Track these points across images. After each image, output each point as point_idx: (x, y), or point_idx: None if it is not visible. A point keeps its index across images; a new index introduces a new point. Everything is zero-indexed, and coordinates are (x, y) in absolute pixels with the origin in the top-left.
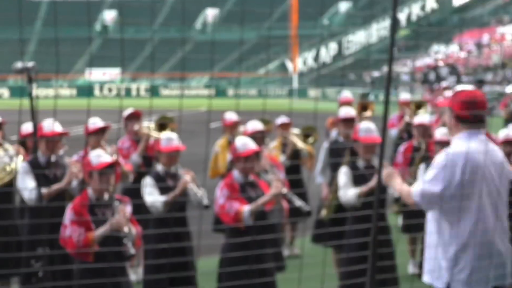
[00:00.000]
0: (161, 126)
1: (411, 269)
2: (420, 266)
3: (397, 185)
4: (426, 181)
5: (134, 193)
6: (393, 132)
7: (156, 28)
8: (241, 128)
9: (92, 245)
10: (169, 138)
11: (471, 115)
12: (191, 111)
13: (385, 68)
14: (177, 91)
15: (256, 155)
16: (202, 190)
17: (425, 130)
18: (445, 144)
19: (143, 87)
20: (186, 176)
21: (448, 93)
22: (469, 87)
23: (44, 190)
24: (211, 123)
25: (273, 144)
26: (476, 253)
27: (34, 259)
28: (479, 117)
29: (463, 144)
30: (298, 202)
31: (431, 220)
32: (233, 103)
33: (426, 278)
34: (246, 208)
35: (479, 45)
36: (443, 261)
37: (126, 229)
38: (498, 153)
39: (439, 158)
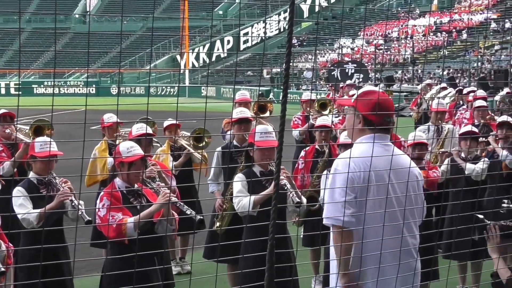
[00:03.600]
0: (37, 131)
1: (314, 285)
2: (325, 282)
3: None
4: (327, 192)
5: (2, 205)
6: (295, 133)
7: (28, 17)
8: (122, 131)
9: None
10: (44, 142)
11: (377, 118)
12: (68, 111)
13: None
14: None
15: (142, 160)
16: (81, 202)
17: (328, 132)
18: (349, 147)
19: (13, 85)
20: (64, 186)
21: (353, 92)
22: (376, 88)
23: None
24: (92, 126)
25: (161, 149)
26: (375, 267)
27: None
28: (385, 121)
29: (365, 148)
30: (189, 211)
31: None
32: (117, 102)
33: None
34: (130, 220)
35: (387, 39)
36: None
37: None
38: (404, 160)
39: (339, 165)
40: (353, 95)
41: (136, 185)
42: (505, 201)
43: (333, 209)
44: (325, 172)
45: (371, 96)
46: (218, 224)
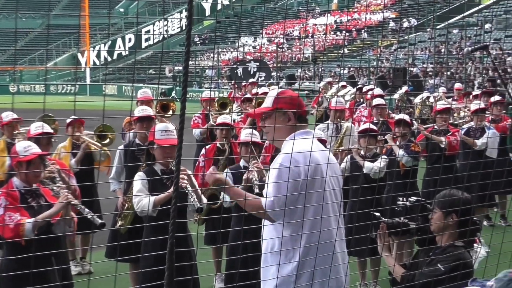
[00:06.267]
0: None
1: (215, 283)
2: (227, 280)
3: (235, 194)
4: (272, 186)
5: None
6: (196, 133)
7: None
8: (22, 129)
9: None
10: None
11: (305, 113)
12: None
13: None
14: None
15: (41, 159)
16: None
17: (229, 130)
18: (248, 144)
19: None
20: None
21: (255, 90)
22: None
23: None
24: None
25: (62, 145)
26: (318, 259)
27: None
28: (305, 116)
29: (300, 143)
30: (90, 214)
31: (271, 227)
32: (16, 100)
33: None
34: (28, 221)
35: (289, 38)
36: (287, 269)
37: None
38: (329, 153)
39: (280, 160)
40: (256, 93)
41: (34, 185)
42: (400, 198)
43: (278, 202)
44: (225, 170)
45: (286, 95)
46: (120, 223)
